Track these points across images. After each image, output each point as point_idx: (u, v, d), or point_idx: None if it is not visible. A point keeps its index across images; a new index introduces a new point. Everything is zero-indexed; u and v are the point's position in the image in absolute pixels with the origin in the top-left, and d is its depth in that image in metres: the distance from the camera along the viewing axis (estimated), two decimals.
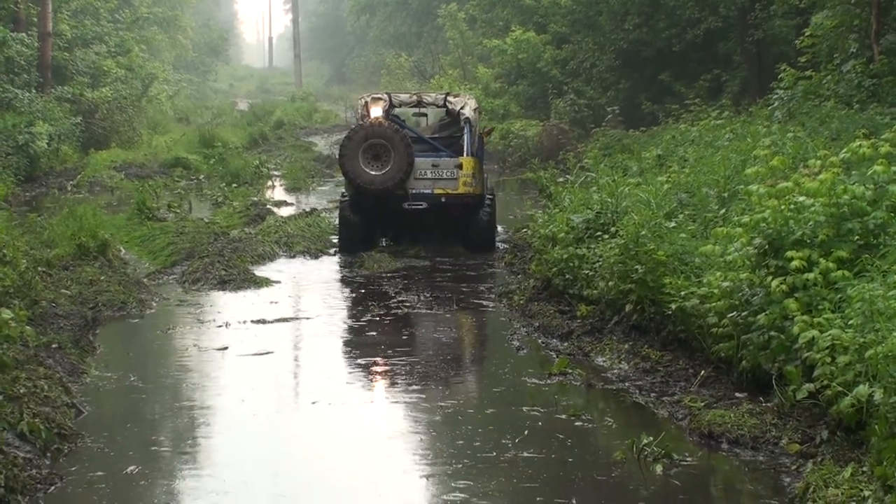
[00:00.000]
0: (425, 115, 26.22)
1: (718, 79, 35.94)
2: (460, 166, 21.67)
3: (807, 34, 26.60)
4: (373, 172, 21.30)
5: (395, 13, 78.28)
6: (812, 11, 28.17)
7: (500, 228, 23.97)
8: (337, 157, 23.60)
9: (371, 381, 12.92)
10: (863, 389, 8.83)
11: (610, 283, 14.29)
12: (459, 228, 22.07)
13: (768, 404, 10.44)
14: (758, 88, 31.50)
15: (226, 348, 14.01)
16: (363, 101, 23.09)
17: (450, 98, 23.38)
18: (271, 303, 17.03)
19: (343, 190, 23.10)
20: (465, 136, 22.19)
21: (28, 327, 12.16)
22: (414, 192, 21.56)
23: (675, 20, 38.51)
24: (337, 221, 22.96)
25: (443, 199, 21.60)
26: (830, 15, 25.20)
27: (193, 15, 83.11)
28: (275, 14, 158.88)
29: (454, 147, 22.37)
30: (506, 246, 22.33)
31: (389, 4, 78.52)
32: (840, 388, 9.13)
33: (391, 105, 22.94)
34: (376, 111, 22.06)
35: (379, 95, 23.03)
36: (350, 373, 13.15)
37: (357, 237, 21.87)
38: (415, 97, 23.83)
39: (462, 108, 22.69)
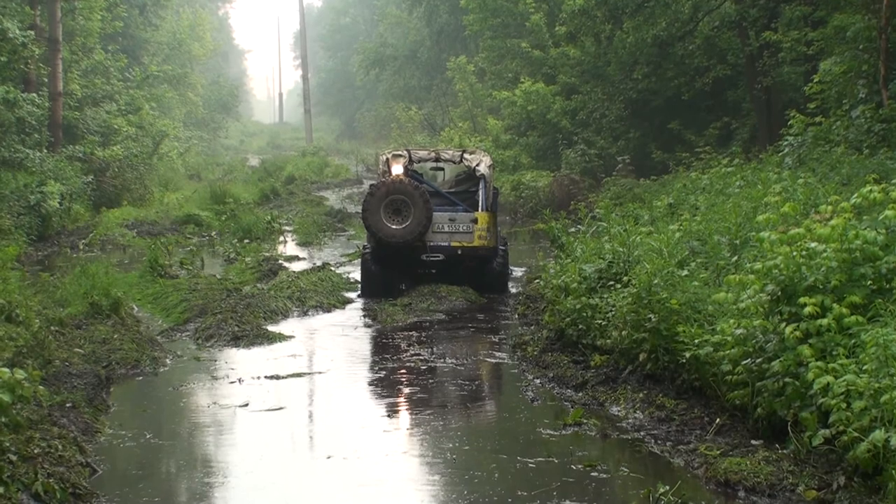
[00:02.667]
0: (442, 169, 26.90)
1: (728, 126, 35.97)
2: (475, 221, 22.75)
3: (815, 80, 26.61)
4: (394, 226, 22.45)
5: (404, 67, 78.60)
6: (820, 58, 28.23)
7: (517, 272, 25.55)
8: (358, 211, 24.84)
9: (385, 434, 12.87)
10: (879, 435, 8.80)
11: (623, 333, 14.25)
12: (475, 275, 22.95)
13: (784, 451, 10.39)
14: (767, 135, 31.54)
15: (246, 404, 13.96)
16: (385, 157, 24.01)
17: (466, 155, 24.18)
18: (285, 358, 17.01)
19: (365, 241, 24.12)
20: (481, 192, 23.23)
21: (41, 387, 12.15)
22: (432, 244, 22.69)
23: (683, 69, 38.63)
24: (349, 275, 24.56)
25: (459, 252, 22.69)
26: (839, 61, 25.23)
27: (203, 72, 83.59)
28: (285, 70, 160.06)
29: (470, 201, 23.55)
30: (518, 294, 22.48)
31: (398, 58, 78.85)
32: (856, 434, 9.11)
33: (411, 161, 23.95)
34: (397, 168, 23.11)
35: (399, 153, 24.01)
36: (364, 426, 13.08)
37: (378, 284, 23.00)
38: (433, 153, 24.66)
39: (478, 164, 23.61)
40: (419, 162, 24.74)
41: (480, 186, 23.35)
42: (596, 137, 41.58)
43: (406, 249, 22.65)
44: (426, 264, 22.91)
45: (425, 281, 22.72)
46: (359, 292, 23.46)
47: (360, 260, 24.13)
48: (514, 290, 23.80)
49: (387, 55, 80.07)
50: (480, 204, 23.14)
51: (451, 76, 61.28)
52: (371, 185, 23.68)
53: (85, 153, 40.94)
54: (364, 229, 24.05)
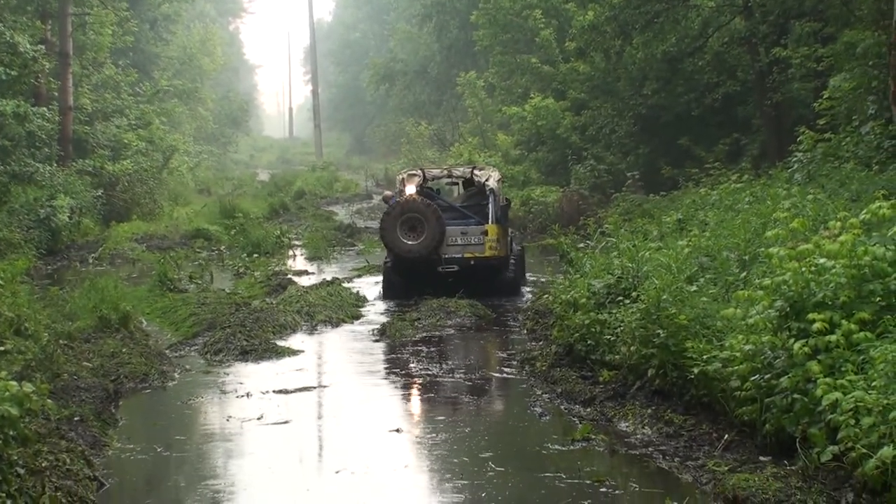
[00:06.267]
0: (457, 184, 28.16)
1: (738, 142, 35.90)
2: (486, 232, 24.17)
3: (825, 97, 26.55)
4: (409, 242, 23.99)
5: (413, 82, 78.52)
6: (830, 74, 28.19)
7: (531, 277, 26.92)
8: (368, 226, 26.21)
9: (393, 448, 12.86)
10: (887, 451, 8.78)
11: (632, 348, 14.24)
12: (489, 282, 24.14)
13: (793, 467, 10.34)
14: (777, 151, 31.46)
15: (260, 417, 13.96)
16: (401, 177, 25.72)
17: (476, 171, 25.97)
18: (293, 372, 17.00)
19: (385, 255, 25.39)
20: (490, 205, 24.53)
21: (49, 400, 12.15)
22: (446, 257, 24.14)
23: (693, 85, 38.58)
24: (358, 290, 25.38)
25: (472, 262, 24.13)
26: (848, 77, 25.18)
27: (213, 87, 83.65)
28: (295, 85, 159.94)
29: (481, 214, 24.67)
30: (527, 309, 22.44)
31: (408, 74, 78.79)
32: (864, 451, 9.08)
33: (425, 179, 25.52)
34: (411, 188, 24.61)
35: (414, 172, 25.84)
36: (373, 441, 13.07)
37: (398, 292, 24.74)
38: (445, 171, 27.01)
39: (487, 179, 25.17)
40: (433, 179, 26.11)
41: (490, 200, 24.53)
42: (605, 153, 41.51)
43: (422, 262, 23.95)
44: (442, 275, 23.89)
45: (438, 293, 23.17)
46: (377, 296, 25.03)
47: (381, 270, 25.81)
48: (529, 294, 24.65)
49: (397, 70, 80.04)
50: (490, 216, 24.40)
51: (460, 91, 61.23)
52: (387, 205, 25.10)
53: (95, 167, 40.99)
54: (382, 244, 25.44)
